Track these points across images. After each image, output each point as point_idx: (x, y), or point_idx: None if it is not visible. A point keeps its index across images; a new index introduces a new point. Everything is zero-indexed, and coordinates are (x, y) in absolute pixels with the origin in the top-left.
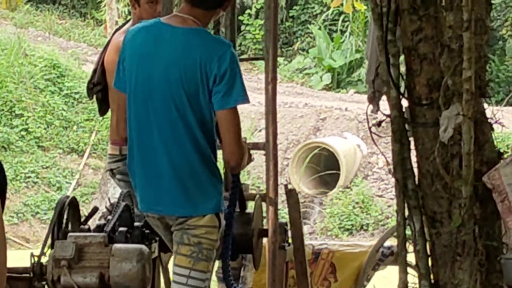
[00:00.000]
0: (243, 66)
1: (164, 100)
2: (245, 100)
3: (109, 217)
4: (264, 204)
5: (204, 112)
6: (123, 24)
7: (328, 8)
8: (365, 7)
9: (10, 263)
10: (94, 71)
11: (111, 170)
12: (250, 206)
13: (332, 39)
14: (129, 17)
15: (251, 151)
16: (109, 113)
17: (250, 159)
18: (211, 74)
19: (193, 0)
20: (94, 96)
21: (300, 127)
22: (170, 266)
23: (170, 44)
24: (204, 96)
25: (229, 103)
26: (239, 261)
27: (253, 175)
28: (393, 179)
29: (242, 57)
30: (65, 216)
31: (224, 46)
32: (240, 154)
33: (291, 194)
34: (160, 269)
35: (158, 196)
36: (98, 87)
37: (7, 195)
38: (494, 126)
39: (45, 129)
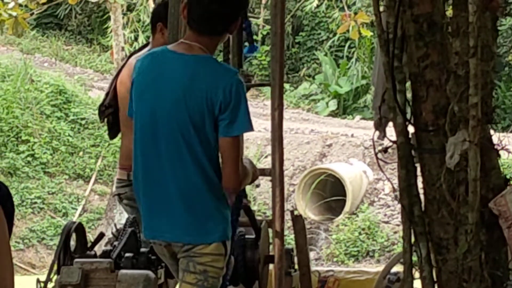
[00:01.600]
0: (249, 92)
1: (171, 129)
2: (249, 129)
3: (115, 243)
4: (270, 230)
5: (210, 140)
6: (140, 49)
7: (334, 34)
8: (371, 34)
9: None
10: (107, 94)
11: (119, 195)
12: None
13: (338, 65)
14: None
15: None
16: (115, 139)
17: (255, 176)
18: (216, 102)
19: (199, 27)
20: (105, 120)
21: (306, 153)
22: None
23: (176, 71)
24: (210, 124)
25: (233, 132)
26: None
27: (259, 201)
28: (399, 205)
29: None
30: (71, 242)
31: (229, 73)
32: (237, 181)
33: (297, 220)
34: None
35: (165, 224)
36: (110, 110)
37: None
38: (501, 152)
39: (51, 155)
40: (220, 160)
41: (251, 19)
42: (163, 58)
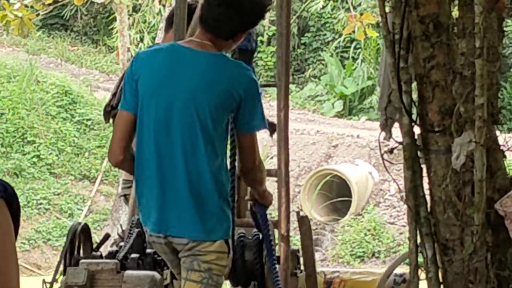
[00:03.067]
0: None
1: (189, 125)
2: (265, 125)
3: (121, 243)
4: (276, 231)
5: (221, 136)
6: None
7: (340, 35)
8: (377, 34)
9: None
10: (114, 94)
11: (125, 195)
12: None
13: (344, 66)
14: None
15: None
16: None
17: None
18: (237, 99)
19: (207, 25)
20: (111, 120)
21: (312, 154)
22: None
23: (193, 67)
24: (226, 120)
25: (253, 127)
26: None
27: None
28: (405, 206)
29: None
30: (77, 243)
31: (248, 72)
32: (258, 172)
33: (303, 221)
34: None
35: (173, 218)
36: (117, 110)
37: None
38: (506, 153)
39: (56, 155)
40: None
41: None
42: (178, 54)
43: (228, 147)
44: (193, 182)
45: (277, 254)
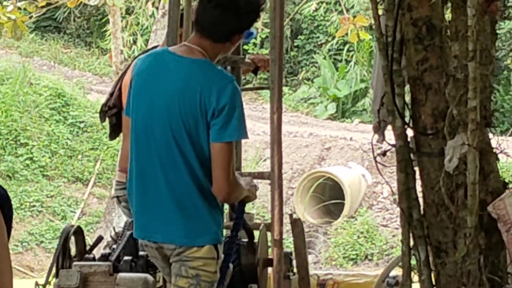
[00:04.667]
0: (247, 95)
1: (163, 131)
2: (241, 136)
3: (114, 246)
4: (269, 234)
5: (203, 145)
6: (147, 51)
7: (333, 38)
8: (370, 37)
9: None
10: (111, 94)
11: (117, 197)
12: (255, 235)
13: (337, 69)
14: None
15: (256, 181)
16: (114, 141)
17: (253, 194)
18: (210, 106)
19: (201, 30)
20: (107, 120)
21: (304, 156)
22: None
23: (173, 73)
24: (203, 129)
25: (223, 138)
26: None
27: (258, 205)
28: (397, 209)
29: (247, 86)
30: (70, 245)
31: (225, 79)
32: (227, 190)
33: (296, 224)
34: None
35: (157, 225)
36: (114, 110)
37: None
38: (499, 156)
39: (49, 158)
40: None
41: None
42: (162, 59)
43: None
44: (173, 189)
45: (270, 257)
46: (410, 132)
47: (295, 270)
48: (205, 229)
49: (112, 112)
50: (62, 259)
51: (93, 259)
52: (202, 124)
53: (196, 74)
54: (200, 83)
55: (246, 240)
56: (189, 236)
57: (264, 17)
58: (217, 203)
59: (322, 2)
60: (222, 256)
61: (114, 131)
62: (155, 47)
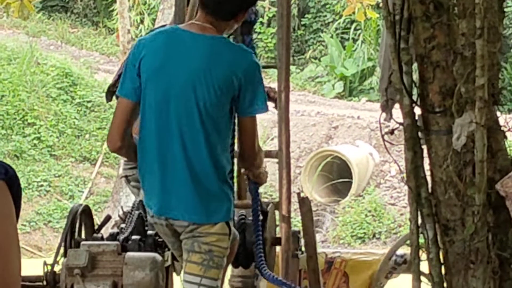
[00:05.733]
0: None
1: (187, 108)
2: (266, 108)
3: (122, 225)
4: (277, 212)
5: (225, 121)
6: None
7: (340, 17)
8: (377, 15)
9: (23, 272)
10: (119, 75)
11: (126, 176)
12: None
13: (344, 47)
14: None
15: (264, 160)
16: None
17: (266, 176)
18: (237, 83)
19: (207, 7)
20: (114, 99)
21: (312, 135)
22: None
23: (193, 50)
24: (226, 105)
25: (254, 111)
26: (252, 270)
27: (266, 184)
28: (405, 187)
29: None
30: (77, 225)
31: (248, 54)
32: (255, 157)
33: (304, 202)
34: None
35: (174, 201)
36: None
37: None
38: (507, 134)
39: (57, 137)
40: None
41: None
42: (178, 37)
43: None
44: (192, 166)
45: (278, 235)
46: (417, 110)
47: (303, 248)
48: (219, 206)
49: None
50: (70, 238)
51: (101, 238)
52: (226, 99)
53: (218, 50)
54: (227, 60)
55: (249, 218)
56: (205, 213)
57: None
58: (230, 180)
59: None
60: (233, 231)
61: None
62: (162, 26)
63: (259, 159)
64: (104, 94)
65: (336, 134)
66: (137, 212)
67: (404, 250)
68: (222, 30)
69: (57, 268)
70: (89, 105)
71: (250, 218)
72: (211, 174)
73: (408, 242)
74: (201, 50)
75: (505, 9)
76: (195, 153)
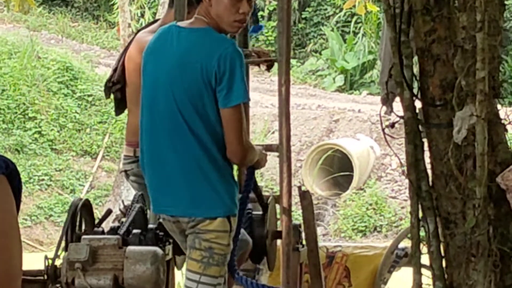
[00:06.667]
0: (256, 68)
1: (168, 104)
2: (247, 97)
3: (123, 219)
4: (277, 206)
5: (209, 114)
6: (148, 25)
7: (341, 10)
8: (378, 9)
9: (24, 266)
10: (114, 70)
11: (125, 171)
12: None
13: (345, 41)
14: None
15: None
16: (122, 115)
17: (264, 160)
18: (212, 73)
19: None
20: (112, 95)
21: (313, 128)
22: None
23: (174, 47)
24: (208, 97)
25: (231, 102)
26: (253, 264)
27: (267, 177)
28: (406, 181)
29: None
30: (78, 219)
31: (224, 44)
32: (242, 152)
33: (305, 196)
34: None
35: (169, 198)
36: (118, 85)
37: None
38: (508, 127)
39: (58, 131)
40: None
41: None
42: (166, 34)
43: None
44: (182, 161)
45: (278, 229)
46: (418, 104)
47: (304, 242)
48: (217, 200)
49: (116, 87)
50: (71, 232)
51: (102, 232)
52: (206, 92)
53: (194, 44)
54: (200, 50)
55: (259, 213)
56: (201, 208)
57: None
58: (230, 175)
59: None
60: (245, 238)
61: (120, 107)
62: (156, 20)
63: (250, 156)
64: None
65: (337, 127)
66: (137, 206)
67: (405, 244)
68: (210, 13)
69: (58, 262)
70: (90, 99)
71: (256, 212)
72: (205, 168)
73: (409, 235)
74: (179, 46)
75: (506, 2)
76: (184, 149)
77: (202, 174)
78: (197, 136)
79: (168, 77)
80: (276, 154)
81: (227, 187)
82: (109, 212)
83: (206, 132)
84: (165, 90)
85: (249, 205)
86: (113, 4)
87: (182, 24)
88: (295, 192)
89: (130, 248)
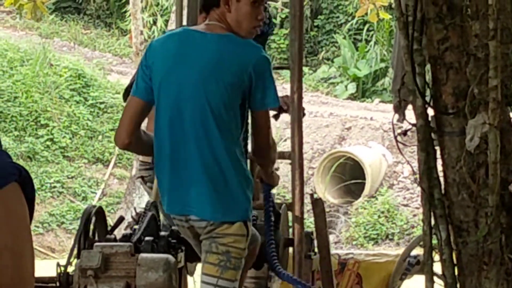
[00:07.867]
0: None
1: (199, 106)
2: (278, 102)
3: (135, 226)
4: (290, 214)
5: (237, 118)
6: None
7: (353, 18)
8: (390, 16)
9: (36, 273)
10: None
11: (142, 177)
12: None
13: (357, 48)
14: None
15: (277, 161)
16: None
17: (277, 178)
18: (248, 77)
19: (202, 7)
20: None
21: (325, 136)
22: (197, 276)
23: (203, 49)
24: (239, 101)
25: (266, 105)
26: (265, 271)
27: (279, 185)
28: (418, 188)
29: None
30: (91, 226)
31: (257, 49)
32: (269, 152)
33: (317, 203)
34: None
35: (189, 200)
36: None
37: None
38: None
39: (70, 139)
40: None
41: (270, 2)
42: (188, 37)
43: None
44: (208, 165)
45: (290, 237)
46: (431, 112)
47: (316, 250)
48: (237, 205)
49: None
50: (84, 239)
51: (114, 239)
52: (239, 96)
53: (226, 47)
54: (235, 57)
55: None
56: (221, 211)
57: None
58: (249, 179)
59: None
60: (251, 233)
61: None
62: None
63: (275, 154)
64: (117, 95)
65: (349, 135)
66: (150, 213)
67: (417, 251)
68: (227, 19)
69: (70, 269)
70: (102, 106)
71: (263, 219)
72: (228, 172)
73: (421, 243)
74: (210, 49)
75: None
76: (211, 152)
77: (224, 178)
78: (225, 140)
79: (201, 80)
80: (289, 161)
81: (246, 192)
82: (121, 219)
83: (234, 136)
84: (197, 92)
85: (254, 212)
86: (125, 12)
87: (198, 28)
88: (307, 199)
89: (143, 255)
